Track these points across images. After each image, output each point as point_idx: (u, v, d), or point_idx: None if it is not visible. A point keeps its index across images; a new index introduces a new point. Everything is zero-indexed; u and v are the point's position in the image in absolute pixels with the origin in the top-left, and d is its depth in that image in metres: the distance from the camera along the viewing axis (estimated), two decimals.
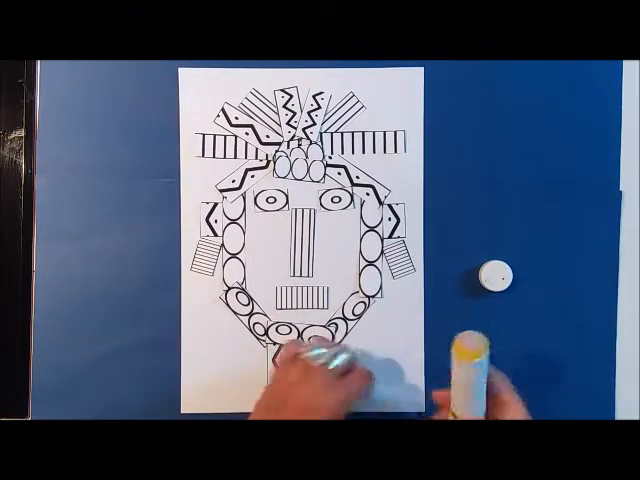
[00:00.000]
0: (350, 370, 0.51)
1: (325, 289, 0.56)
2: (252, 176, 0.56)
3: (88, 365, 0.55)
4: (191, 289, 0.56)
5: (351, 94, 0.55)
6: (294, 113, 0.56)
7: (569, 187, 0.55)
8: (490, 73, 0.55)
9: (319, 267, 0.56)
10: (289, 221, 0.56)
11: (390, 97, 0.55)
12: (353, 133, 0.56)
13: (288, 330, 0.56)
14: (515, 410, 0.45)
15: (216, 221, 0.56)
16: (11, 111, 0.56)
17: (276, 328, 0.56)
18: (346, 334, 0.56)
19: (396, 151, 0.55)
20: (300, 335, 0.56)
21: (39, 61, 0.55)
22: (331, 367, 0.49)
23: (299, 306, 0.56)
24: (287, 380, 0.49)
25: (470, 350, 0.44)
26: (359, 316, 0.56)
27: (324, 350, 0.50)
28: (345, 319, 0.56)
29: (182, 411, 0.55)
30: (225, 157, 0.56)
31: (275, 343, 0.56)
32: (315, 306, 0.56)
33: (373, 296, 0.56)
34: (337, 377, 0.49)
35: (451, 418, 0.46)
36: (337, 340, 0.56)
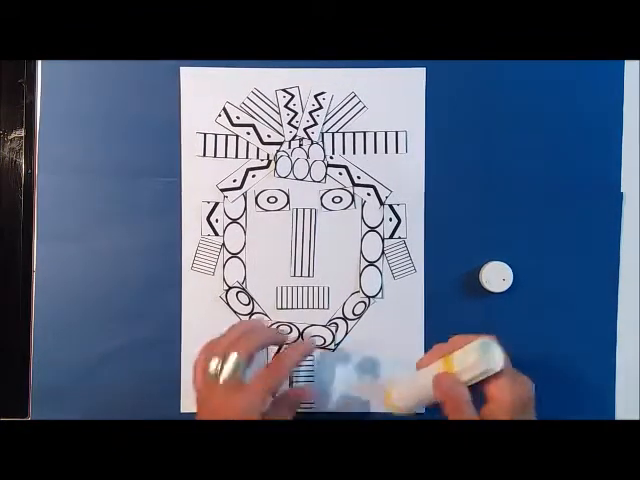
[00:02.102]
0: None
1: (326, 289, 0.56)
2: (253, 176, 0.56)
3: (88, 365, 0.55)
4: (192, 288, 0.56)
5: (353, 94, 0.55)
6: (295, 113, 0.56)
7: (570, 188, 0.55)
8: (491, 73, 0.55)
9: (320, 267, 0.56)
10: (290, 221, 0.56)
11: (392, 97, 0.55)
12: (354, 133, 0.56)
13: (289, 330, 0.56)
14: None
15: (217, 220, 0.56)
16: (11, 111, 0.56)
17: (276, 328, 0.56)
18: (346, 334, 0.56)
19: (397, 151, 0.55)
20: (300, 335, 0.56)
21: (39, 61, 0.55)
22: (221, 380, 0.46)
23: (299, 306, 0.56)
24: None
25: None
26: (359, 316, 0.56)
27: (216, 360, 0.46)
28: (345, 319, 0.56)
29: (182, 411, 0.55)
30: (226, 157, 0.56)
31: None
32: (315, 306, 0.56)
33: (374, 296, 0.56)
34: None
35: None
36: (337, 340, 0.56)
